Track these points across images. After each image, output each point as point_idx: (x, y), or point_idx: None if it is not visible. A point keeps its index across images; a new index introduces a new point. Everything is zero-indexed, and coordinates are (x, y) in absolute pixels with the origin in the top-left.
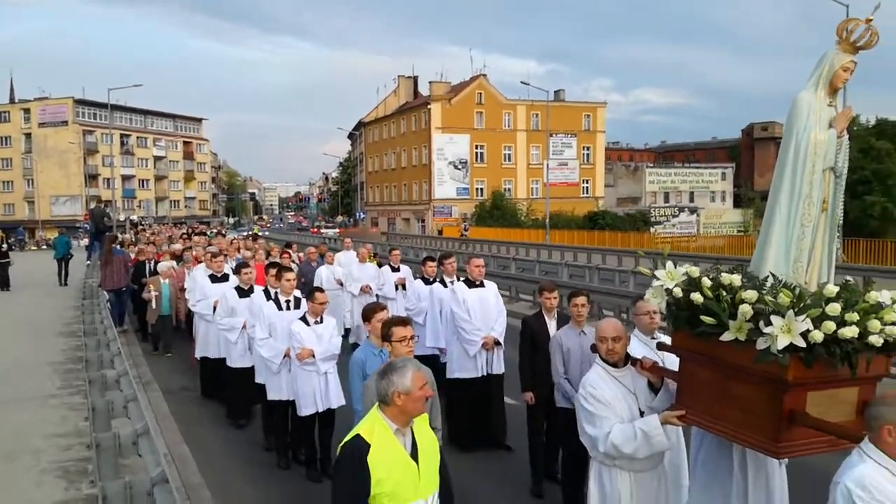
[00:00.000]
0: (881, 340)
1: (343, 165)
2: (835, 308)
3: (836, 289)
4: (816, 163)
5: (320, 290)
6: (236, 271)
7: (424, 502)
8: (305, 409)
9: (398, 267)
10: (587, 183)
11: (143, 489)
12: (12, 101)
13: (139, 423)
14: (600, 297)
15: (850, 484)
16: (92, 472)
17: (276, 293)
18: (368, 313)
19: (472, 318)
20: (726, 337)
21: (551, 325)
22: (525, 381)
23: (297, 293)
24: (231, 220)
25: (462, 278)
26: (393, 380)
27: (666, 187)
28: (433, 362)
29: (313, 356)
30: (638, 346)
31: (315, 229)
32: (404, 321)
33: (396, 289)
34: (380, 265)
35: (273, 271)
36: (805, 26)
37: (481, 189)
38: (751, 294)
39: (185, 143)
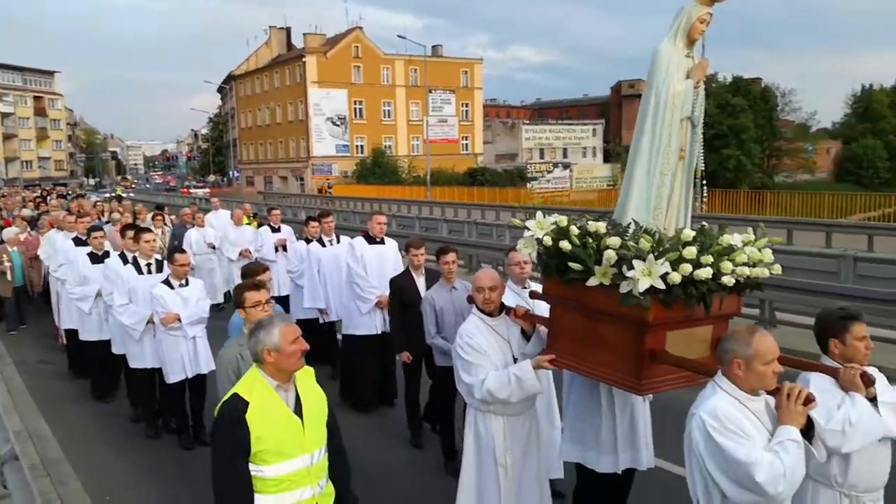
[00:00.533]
0: (733, 280)
1: (213, 121)
2: (691, 251)
3: (693, 233)
4: (675, 112)
5: (181, 250)
6: (87, 235)
7: (310, 457)
8: (173, 376)
9: (278, 227)
10: (466, 140)
11: None
12: None
13: None
14: (478, 251)
15: (703, 414)
16: None
17: (134, 257)
18: (249, 274)
19: (368, 275)
20: (592, 282)
21: (420, 281)
22: (398, 342)
23: (159, 256)
24: (91, 182)
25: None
26: (260, 337)
27: (541, 144)
28: (313, 325)
29: (179, 320)
30: (511, 296)
31: (185, 189)
32: (257, 286)
33: (277, 250)
34: (260, 226)
35: (130, 233)
36: None
37: (361, 146)
38: (614, 240)
39: (35, 98)
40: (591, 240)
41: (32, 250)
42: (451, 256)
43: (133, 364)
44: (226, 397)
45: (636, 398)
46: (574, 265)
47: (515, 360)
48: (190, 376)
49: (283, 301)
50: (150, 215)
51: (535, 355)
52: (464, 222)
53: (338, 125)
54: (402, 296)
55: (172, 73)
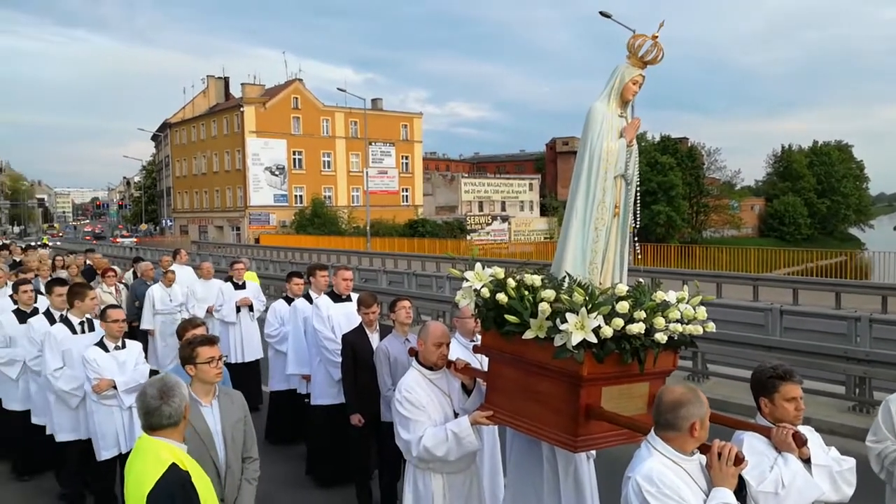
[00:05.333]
0: (665, 337)
1: (147, 169)
2: (624, 306)
3: (626, 288)
4: (609, 170)
5: (115, 306)
6: (14, 290)
7: None
8: (105, 452)
9: (243, 283)
10: (407, 191)
11: None
12: None
13: None
14: (419, 303)
15: (639, 479)
16: None
17: (64, 314)
18: (183, 330)
19: (337, 337)
20: (528, 335)
21: (373, 338)
22: (351, 403)
23: (90, 315)
24: (16, 230)
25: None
26: (183, 394)
27: (480, 197)
28: (294, 398)
29: (115, 388)
30: (459, 349)
31: (115, 238)
32: (211, 340)
33: (239, 311)
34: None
35: (58, 290)
36: (595, 47)
37: (300, 196)
38: (549, 293)
39: None
40: (527, 292)
41: None
42: (406, 302)
43: (62, 437)
44: (163, 469)
45: (580, 456)
46: (511, 318)
47: (456, 416)
48: (124, 452)
49: (248, 368)
50: (101, 271)
51: (474, 410)
52: (404, 273)
53: (276, 175)
54: (355, 353)
55: (106, 121)
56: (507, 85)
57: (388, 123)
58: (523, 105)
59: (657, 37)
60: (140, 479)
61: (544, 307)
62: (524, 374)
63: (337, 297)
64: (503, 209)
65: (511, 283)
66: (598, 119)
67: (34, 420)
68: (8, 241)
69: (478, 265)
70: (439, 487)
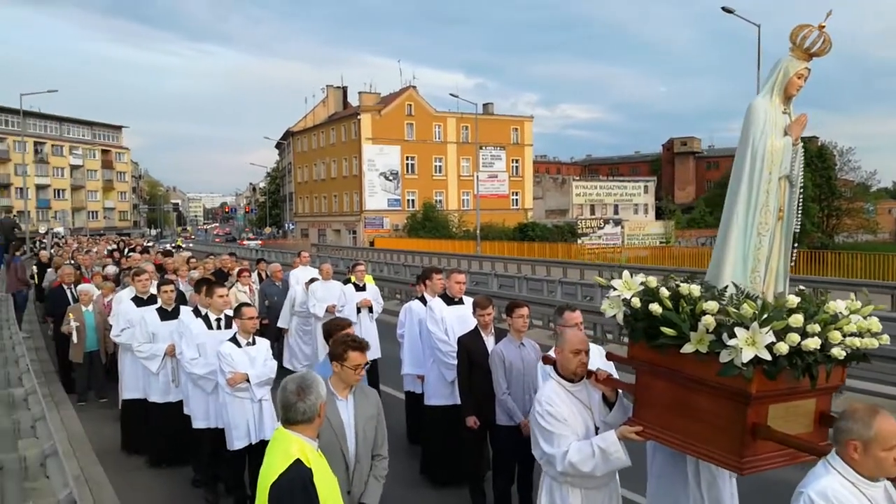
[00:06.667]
0: (843, 353)
1: (271, 176)
2: (798, 319)
3: (797, 299)
4: (773, 171)
5: (248, 304)
6: (157, 289)
7: None
8: (237, 442)
9: (363, 285)
10: (517, 195)
11: None
12: None
13: (47, 444)
14: (531, 307)
15: (812, 494)
16: None
17: (206, 312)
18: (332, 329)
19: (450, 339)
20: (687, 349)
21: (489, 341)
22: (466, 405)
23: (229, 311)
24: (153, 232)
25: (438, 294)
26: (320, 392)
27: (592, 200)
28: (416, 398)
29: (247, 381)
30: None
31: (242, 241)
32: (363, 347)
33: (359, 311)
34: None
35: (203, 288)
36: (714, 45)
37: (413, 200)
38: (712, 305)
39: (103, 151)
40: (684, 303)
41: (109, 310)
42: (523, 311)
43: (197, 424)
44: (287, 464)
45: (723, 472)
46: (667, 330)
47: (597, 429)
48: (254, 442)
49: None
50: (236, 270)
51: (619, 424)
52: (514, 277)
53: (390, 180)
54: (470, 356)
55: (233, 130)
56: (622, 85)
57: (498, 127)
58: (638, 106)
59: (824, 27)
60: (269, 469)
61: (708, 320)
62: (679, 389)
63: (450, 300)
64: (616, 212)
65: (664, 292)
66: (761, 116)
67: (186, 410)
68: (149, 244)
69: (625, 273)
70: (577, 502)
